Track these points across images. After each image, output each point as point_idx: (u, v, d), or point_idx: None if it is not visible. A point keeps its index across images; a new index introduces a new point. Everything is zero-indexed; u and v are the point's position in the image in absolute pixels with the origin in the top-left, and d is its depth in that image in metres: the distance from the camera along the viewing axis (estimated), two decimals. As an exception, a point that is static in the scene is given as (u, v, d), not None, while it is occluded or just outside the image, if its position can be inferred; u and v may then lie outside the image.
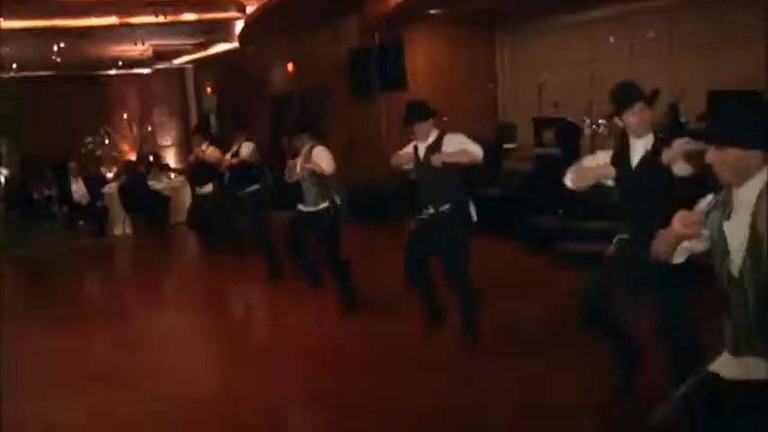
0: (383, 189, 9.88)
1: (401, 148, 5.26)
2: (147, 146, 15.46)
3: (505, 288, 6.12)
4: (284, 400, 4.54)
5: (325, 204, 5.98)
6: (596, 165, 3.73)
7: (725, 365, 2.23)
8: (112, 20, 11.37)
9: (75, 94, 14.91)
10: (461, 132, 4.90)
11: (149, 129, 15.48)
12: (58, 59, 13.71)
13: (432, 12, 10.68)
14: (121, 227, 11.23)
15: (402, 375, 4.64)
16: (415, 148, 4.98)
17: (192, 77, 17.29)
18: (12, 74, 14.85)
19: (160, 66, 16.21)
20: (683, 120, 7.15)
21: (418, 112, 4.85)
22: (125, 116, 15.11)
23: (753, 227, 2.08)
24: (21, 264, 9.97)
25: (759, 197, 2.08)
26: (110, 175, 12.65)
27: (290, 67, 13.45)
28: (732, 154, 2.11)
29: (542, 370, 4.39)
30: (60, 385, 4.94)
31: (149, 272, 9.14)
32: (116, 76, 16.05)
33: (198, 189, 9.02)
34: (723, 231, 2.20)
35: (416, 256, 4.95)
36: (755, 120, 2.16)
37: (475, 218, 4.85)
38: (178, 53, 15.72)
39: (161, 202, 10.88)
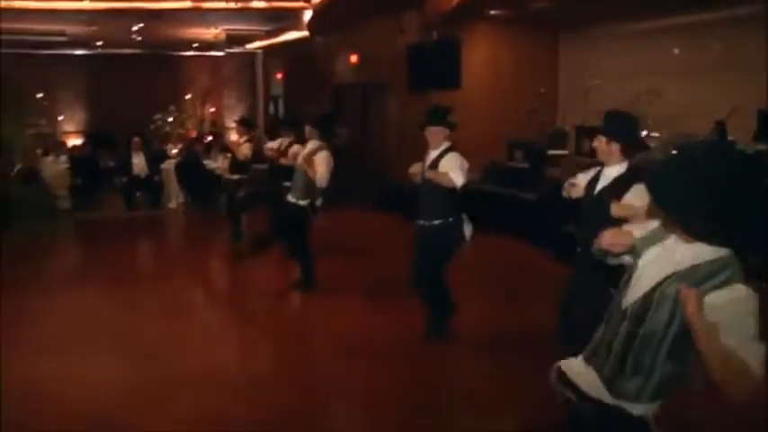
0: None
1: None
2: (216, 126, 15.98)
3: (532, 293, 6.13)
4: (319, 385, 4.66)
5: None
6: (582, 181, 3.72)
7: (572, 365, 2.42)
8: (186, 4, 11.88)
9: (150, 72, 15.61)
10: (457, 159, 4.82)
11: (213, 109, 15.99)
12: (138, 38, 14.43)
13: (492, 12, 10.58)
14: (175, 201, 11.76)
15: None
16: (424, 160, 5.02)
17: (261, 63, 17.75)
18: (98, 50, 15.75)
19: (232, 50, 16.72)
20: (730, 138, 6.86)
21: (431, 116, 4.89)
22: (188, 96, 15.66)
23: (659, 284, 2.12)
24: (82, 227, 10.71)
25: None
26: (174, 152, 13.16)
27: (353, 58, 13.63)
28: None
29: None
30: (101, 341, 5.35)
31: (190, 245, 9.72)
32: (190, 57, 16.66)
33: (230, 176, 9.54)
34: (639, 264, 2.26)
35: (415, 266, 5.09)
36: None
37: (468, 236, 4.94)
38: (250, 38, 16.19)
39: (214, 182, 11.25)
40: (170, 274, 7.87)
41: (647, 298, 2.13)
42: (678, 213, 2.01)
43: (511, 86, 11.06)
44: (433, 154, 4.92)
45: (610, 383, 2.25)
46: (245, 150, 8.85)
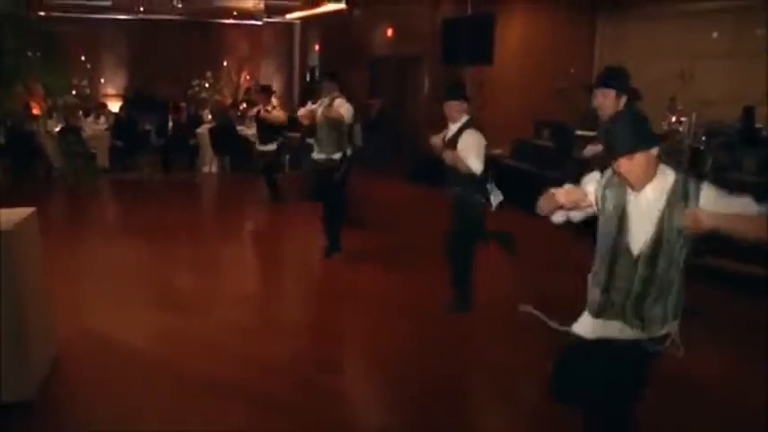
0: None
1: (480, 120, 5.35)
2: (250, 94, 16.19)
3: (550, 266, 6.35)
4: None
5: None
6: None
7: (585, 326, 2.71)
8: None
9: (190, 39, 15.86)
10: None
11: (248, 77, 16.20)
12: (179, 5, 14.66)
13: (529, -11, 10.55)
14: (209, 165, 12.07)
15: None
16: (444, 132, 5.17)
17: (299, 33, 17.88)
18: (140, 16, 16.04)
19: (271, 20, 16.87)
20: (758, 125, 6.81)
21: (451, 91, 5.06)
22: (225, 63, 15.88)
23: (659, 226, 2.46)
24: (119, 186, 11.12)
25: (670, 198, 2.45)
26: (210, 117, 13.43)
27: (389, 31, 13.69)
28: (637, 160, 2.42)
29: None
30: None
31: (219, 207, 10.10)
32: (229, 25, 16.86)
33: (260, 147, 9.50)
34: (626, 212, 2.52)
35: (448, 231, 5.28)
36: (641, 125, 2.45)
37: (495, 203, 5.02)
38: (288, 9, 16.31)
39: (246, 148, 11.49)
40: (201, 232, 8.19)
41: (658, 235, 2.46)
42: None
43: (545, 65, 11.01)
44: (452, 128, 5.04)
45: (640, 321, 2.57)
46: (280, 115, 9.01)
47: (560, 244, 7.33)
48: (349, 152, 6.52)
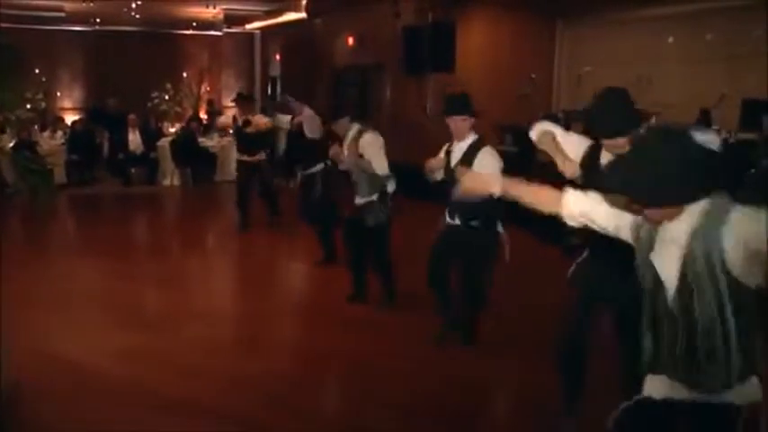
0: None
1: (443, 131, 4.63)
2: (212, 105, 16.01)
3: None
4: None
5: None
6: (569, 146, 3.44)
7: (654, 386, 2.26)
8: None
9: (148, 50, 15.61)
10: (491, 148, 4.43)
11: (207, 88, 16.02)
12: (137, 16, 14.44)
13: (488, -4, 10.65)
14: (170, 178, 11.87)
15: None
16: (447, 153, 4.52)
17: (259, 43, 17.76)
18: (96, 27, 15.74)
19: (231, 30, 16.74)
20: (715, 127, 6.95)
21: (455, 105, 4.43)
22: (185, 75, 15.68)
23: (685, 265, 2.02)
24: (77, 200, 10.85)
25: (692, 236, 1.98)
26: (171, 130, 13.23)
27: (350, 40, 13.67)
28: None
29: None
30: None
31: (183, 220, 9.88)
32: (188, 36, 16.66)
33: (246, 158, 8.31)
34: (650, 262, 2.14)
35: (440, 260, 4.62)
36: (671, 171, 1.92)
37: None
38: (249, 19, 16.21)
39: (208, 160, 11.36)
40: (166, 248, 8.02)
41: (683, 283, 2.04)
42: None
43: (506, 71, 11.11)
44: (461, 146, 4.42)
45: (693, 381, 2.15)
46: (268, 122, 8.24)
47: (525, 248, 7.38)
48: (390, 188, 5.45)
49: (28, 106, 13.03)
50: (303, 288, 6.65)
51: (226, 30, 16.64)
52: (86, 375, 4.28)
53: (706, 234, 1.94)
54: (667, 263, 2.06)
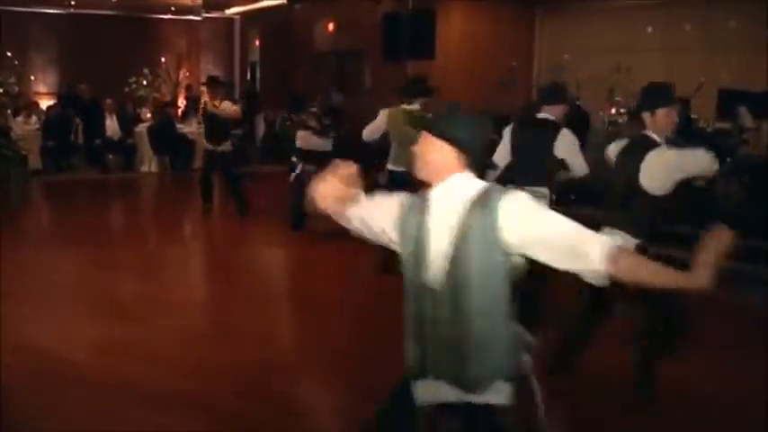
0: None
1: None
2: (191, 91, 15.82)
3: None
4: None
5: None
6: None
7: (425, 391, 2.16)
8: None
9: (125, 35, 15.38)
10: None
11: (187, 74, 15.83)
12: (113, 0, 14.21)
13: (469, -16, 10.62)
14: (148, 165, 11.73)
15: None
16: None
17: (239, 28, 17.58)
18: (71, 10, 15.45)
19: (210, 14, 16.54)
20: (693, 116, 7.03)
21: (550, 94, 4.70)
22: (163, 60, 15.47)
23: (459, 232, 1.98)
24: (53, 188, 10.69)
25: (472, 205, 1.99)
26: (149, 116, 13.04)
27: (330, 26, 13.58)
28: (439, 149, 2.06)
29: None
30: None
31: (160, 208, 9.82)
32: (166, 20, 16.43)
33: (210, 146, 8.08)
34: (425, 236, 2.08)
35: None
36: (467, 122, 2.09)
37: None
38: (228, 3, 16.02)
39: (187, 146, 11.24)
40: (143, 236, 7.93)
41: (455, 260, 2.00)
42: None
43: (486, 59, 11.12)
44: None
45: (462, 382, 2.07)
46: (236, 109, 8.03)
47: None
48: None
49: (0, 90, 12.74)
50: (281, 274, 6.62)
51: (205, 14, 16.43)
52: (62, 367, 4.22)
53: (477, 218, 1.95)
54: (439, 233, 2.02)
